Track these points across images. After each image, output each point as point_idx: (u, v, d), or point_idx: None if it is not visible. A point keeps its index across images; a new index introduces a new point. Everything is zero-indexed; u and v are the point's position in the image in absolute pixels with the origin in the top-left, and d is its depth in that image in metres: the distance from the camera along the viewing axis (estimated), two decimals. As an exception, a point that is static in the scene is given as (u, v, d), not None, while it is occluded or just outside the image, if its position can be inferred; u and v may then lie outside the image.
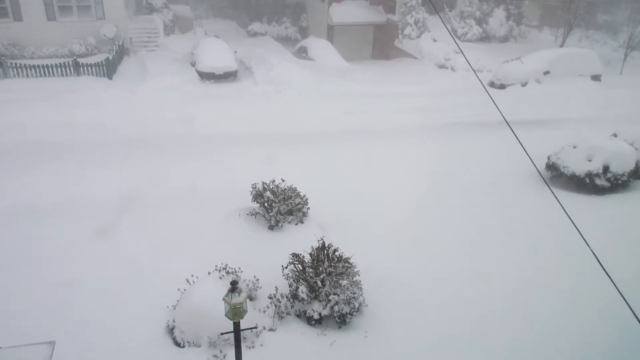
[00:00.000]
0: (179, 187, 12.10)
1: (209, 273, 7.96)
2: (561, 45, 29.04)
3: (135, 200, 11.26)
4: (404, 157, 14.61)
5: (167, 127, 16.24)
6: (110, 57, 21.51)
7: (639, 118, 17.82)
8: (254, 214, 10.48)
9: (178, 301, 7.69)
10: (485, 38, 29.77)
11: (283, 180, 10.68)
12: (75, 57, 21.60)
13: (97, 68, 21.06)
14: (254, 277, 8.23)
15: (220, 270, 8.00)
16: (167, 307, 7.76)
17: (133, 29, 25.88)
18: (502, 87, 22.80)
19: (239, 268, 8.19)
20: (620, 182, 12.62)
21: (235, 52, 23.88)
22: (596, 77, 24.12)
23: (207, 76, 21.85)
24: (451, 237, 10.54)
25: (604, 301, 7.87)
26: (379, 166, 13.95)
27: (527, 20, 32.64)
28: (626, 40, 27.46)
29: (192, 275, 7.94)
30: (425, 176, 13.30)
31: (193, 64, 23.00)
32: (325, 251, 8.18)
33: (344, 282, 7.76)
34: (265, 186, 10.42)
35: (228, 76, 22.06)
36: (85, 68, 20.99)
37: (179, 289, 7.84)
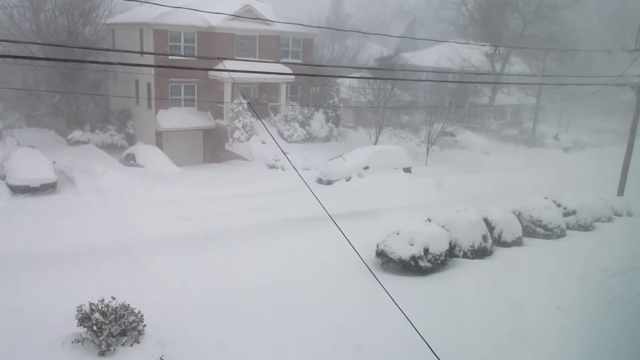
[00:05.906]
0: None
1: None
2: (375, 143, 32.48)
3: None
4: (238, 260, 14.50)
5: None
6: None
7: (446, 203, 20.31)
8: (80, 340, 9.30)
9: None
10: (310, 139, 32.08)
11: (114, 298, 9.78)
12: None
13: None
14: (83, 416, 7.16)
15: (39, 416, 6.82)
16: None
17: None
18: (329, 182, 24.43)
19: (64, 409, 7.09)
20: (439, 261, 13.97)
21: (54, 162, 22.26)
22: (407, 169, 27.25)
23: (20, 190, 19.83)
24: (287, 339, 10.38)
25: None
26: (215, 270, 13.61)
27: (344, 122, 36.24)
28: (426, 136, 31.83)
29: None
30: (259, 278, 13.22)
31: (3, 178, 20.80)
32: (166, 371, 7.52)
33: (189, 404, 7.14)
34: (93, 307, 9.42)
35: (46, 188, 20.28)
36: None
37: None
